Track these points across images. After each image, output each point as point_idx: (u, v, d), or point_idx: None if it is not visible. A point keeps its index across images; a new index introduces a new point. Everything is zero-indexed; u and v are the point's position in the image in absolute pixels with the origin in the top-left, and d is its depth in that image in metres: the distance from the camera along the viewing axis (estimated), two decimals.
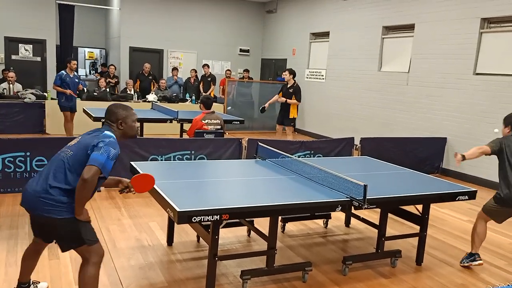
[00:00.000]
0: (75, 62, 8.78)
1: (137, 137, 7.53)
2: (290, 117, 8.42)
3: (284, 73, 8.49)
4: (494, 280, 3.97)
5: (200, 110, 6.99)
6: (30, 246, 3.09)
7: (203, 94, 11.96)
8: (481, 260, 4.17)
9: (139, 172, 3.72)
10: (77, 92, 8.91)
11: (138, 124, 3.11)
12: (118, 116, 2.95)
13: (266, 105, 8.72)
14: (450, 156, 8.16)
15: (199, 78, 12.73)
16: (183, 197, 3.18)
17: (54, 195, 2.68)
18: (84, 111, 8.26)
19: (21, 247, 3.99)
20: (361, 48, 10.37)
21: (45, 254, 3.86)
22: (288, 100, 8.29)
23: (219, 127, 6.84)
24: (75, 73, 8.94)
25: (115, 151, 2.75)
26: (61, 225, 2.72)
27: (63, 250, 2.89)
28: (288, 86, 8.42)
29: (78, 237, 2.75)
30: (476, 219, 4.22)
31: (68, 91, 8.53)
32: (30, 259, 3.09)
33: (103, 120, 3.02)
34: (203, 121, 6.68)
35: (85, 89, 9.69)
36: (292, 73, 8.38)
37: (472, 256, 4.17)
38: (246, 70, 13.20)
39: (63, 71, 8.69)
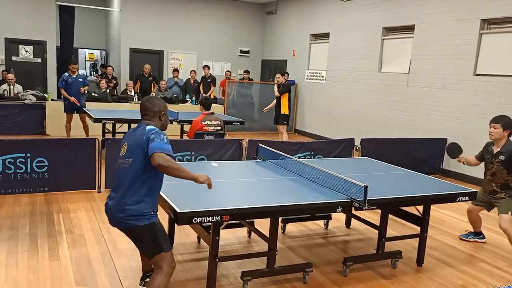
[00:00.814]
0: (75, 65, 8.79)
1: None
2: (282, 112, 8.98)
3: (276, 77, 9.12)
4: (495, 281, 3.97)
5: (200, 111, 6.99)
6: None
7: (203, 95, 11.97)
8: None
9: None
10: (84, 92, 8.90)
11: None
12: (160, 107, 2.96)
13: (267, 108, 9.32)
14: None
15: (199, 79, 12.74)
16: (183, 198, 3.18)
17: (135, 207, 2.75)
18: (85, 112, 8.28)
19: (21, 248, 4.00)
20: (361, 49, 10.38)
21: (46, 256, 3.87)
22: (276, 93, 8.97)
23: (219, 128, 6.84)
24: (79, 73, 8.98)
25: (165, 136, 2.80)
26: (139, 233, 2.79)
27: (149, 258, 2.89)
28: (280, 85, 9.11)
29: (155, 244, 2.79)
30: (509, 231, 4.34)
31: (72, 99, 8.57)
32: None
33: (141, 117, 2.98)
34: (203, 122, 6.68)
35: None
36: (283, 74, 9.17)
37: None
38: (247, 71, 13.21)
39: (66, 73, 8.78)
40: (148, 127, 2.85)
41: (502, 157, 4.39)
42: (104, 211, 2.93)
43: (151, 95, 2.74)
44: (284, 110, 9.03)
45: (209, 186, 2.89)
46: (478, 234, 4.92)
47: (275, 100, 9.22)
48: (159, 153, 2.65)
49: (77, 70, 8.86)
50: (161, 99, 3.08)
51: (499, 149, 4.45)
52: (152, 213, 2.83)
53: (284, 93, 8.99)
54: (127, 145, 2.88)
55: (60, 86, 8.77)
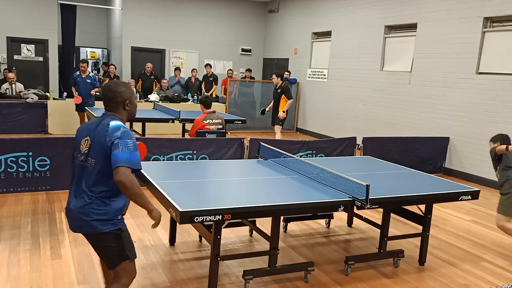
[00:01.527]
0: (83, 64, 8.99)
1: (139, 136, 7.54)
2: (278, 115, 8.76)
3: (272, 78, 8.86)
4: (497, 280, 3.96)
5: (201, 110, 6.98)
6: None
7: (204, 93, 11.97)
8: None
9: (141, 173, 3.72)
10: (95, 94, 9.04)
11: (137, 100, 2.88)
12: (124, 95, 2.63)
13: (267, 108, 9.03)
14: (452, 155, 8.15)
15: (201, 77, 12.74)
16: (185, 197, 3.17)
17: (95, 208, 2.51)
18: (86, 110, 8.29)
19: (23, 247, 4.00)
20: (363, 48, 10.35)
21: (48, 254, 3.87)
22: (285, 109, 8.64)
23: (220, 126, 6.83)
24: (90, 73, 9.10)
25: (133, 140, 2.51)
26: (104, 240, 2.56)
27: (110, 267, 2.66)
28: (277, 87, 8.78)
29: (121, 252, 2.57)
30: (501, 226, 4.37)
31: (75, 96, 8.82)
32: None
33: (104, 106, 2.69)
34: (204, 121, 6.68)
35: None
36: (279, 75, 8.75)
37: None
38: (249, 70, 13.20)
39: (77, 71, 8.99)
40: (111, 125, 2.52)
41: None
42: (65, 214, 2.65)
43: (117, 81, 2.38)
44: (285, 109, 8.73)
45: (154, 225, 2.63)
46: None
47: (273, 101, 8.96)
48: (123, 168, 2.39)
49: (87, 69, 8.98)
50: (125, 83, 2.73)
51: None
52: (119, 217, 2.60)
53: (290, 96, 8.66)
54: (90, 142, 2.55)
55: (71, 83, 9.05)
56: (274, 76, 8.75)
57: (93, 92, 8.87)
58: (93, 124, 2.64)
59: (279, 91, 8.69)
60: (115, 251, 2.58)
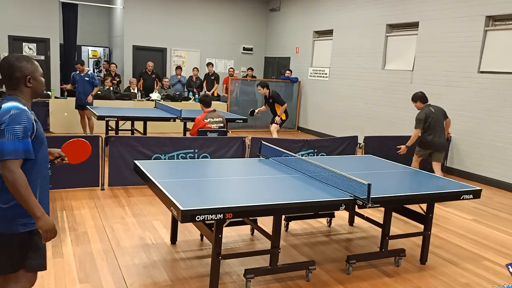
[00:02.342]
0: (77, 65, 8.99)
1: (140, 135, 7.54)
2: (275, 120, 8.71)
3: (259, 89, 8.74)
4: (499, 279, 3.95)
5: (201, 110, 6.98)
6: None
7: (206, 92, 11.96)
8: None
9: (143, 172, 3.72)
10: (96, 93, 9.15)
11: (43, 79, 2.41)
12: (25, 70, 2.24)
13: (257, 110, 8.95)
14: (454, 154, 8.13)
15: (202, 76, 12.73)
16: (186, 196, 3.18)
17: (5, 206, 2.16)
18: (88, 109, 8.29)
19: None
20: (364, 46, 10.34)
21: (49, 253, 3.87)
22: (279, 114, 8.59)
23: (221, 124, 6.83)
24: (89, 71, 9.14)
25: (24, 124, 2.12)
26: (8, 240, 2.20)
27: (3, 273, 2.28)
28: (267, 97, 8.74)
29: (19, 258, 2.20)
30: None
31: (64, 86, 9.24)
32: None
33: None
34: (205, 120, 6.68)
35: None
36: (265, 85, 8.60)
37: None
38: (250, 69, 13.19)
39: (77, 71, 9.03)
40: (3, 108, 2.15)
41: None
42: None
43: (17, 54, 2.25)
44: (282, 116, 8.72)
45: (44, 239, 2.20)
46: None
47: (263, 107, 8.98)
48: (8, 162, 2.05)
49: (84, 68, 8.99)
50: (29, 58, 2.32)
51: None
52: (31, 217, 2.19)
53: (283, 102, 8.68)
54: None
55: (70, 82, 9.18)
56: (260, 87, 8.63)
57: (91, 96, 8.82)
58: None
59: (270, 101, 8.68)
60: (14, 255, 2.24)
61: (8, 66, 2.24)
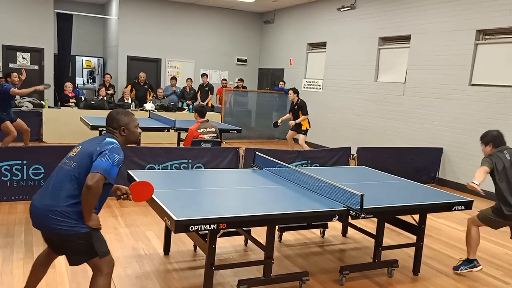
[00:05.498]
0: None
1: (134, 146, 7.53)
2: (302, 129, 9.11)
3: (289, 94, 9.14)
4: None
5: (195, 120, 7.00)
6: (42, 254, 3.02)
7: (200, 103, 11.99)
8: (480, 265, 4.22)
9: (135, 180, 3.72)
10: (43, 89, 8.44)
11: (140, 130, 3.02)
12: (120, 122, 2.90)
13: (279, 121, 9.37)
14: (446, 166, 8.20)
15: (197, 87, 12.77)
16: (180, 206, 3.18)
17: (65, 209, 2.63)
18: (81, 119, 8.27)
19: (16, 255, 3.97)
20: (357, 59, 10.45)
21: None
22: (297, 121, 9.01)
23: (214, 135, 6.85)
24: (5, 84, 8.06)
25: (119, 157, 2.71)
26: (74, 239, 2.67)
27: (73, 264, 2.82)
28: (293, 103, 9.12)
29: (92, 250, 2.71)
30: (469, 225, 4.27)
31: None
32: (39, 268, 3.00)
33: (105, 128, 2.98)
34: (198, 131, 6.69)
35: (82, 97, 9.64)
36: (296, 92, 9.03)
37: (471, 263, 4.22)
38: (240, 79, 13.29)
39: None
40: (108, 139, 2.80)
41: None
42: (30, 211, 2.74)
43: (119, 109, 3.08)
44: (305, 126, 9.07)
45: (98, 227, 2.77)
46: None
47: (287, 115, 9.40)
48: (99, 175, 2.58)
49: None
50: (128, 112, 3.00)
51: None
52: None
53: (307, 113, 9.00)
54: (80, 149, 2.80)
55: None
56: (291, 92, 9.04)
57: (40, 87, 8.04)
58: (92, 138, 2.93)
59: (295, 107, 9.03)
60: (83, 250, 2.70)
61: (110, 117, 2.95)
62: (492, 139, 4.23)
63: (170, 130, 7.83)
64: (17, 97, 9.76)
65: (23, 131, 8.09)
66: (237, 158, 6.55)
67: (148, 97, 11.89)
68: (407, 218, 4.21)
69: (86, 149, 2.76)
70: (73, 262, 2.80)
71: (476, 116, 7.69)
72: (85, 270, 3.75)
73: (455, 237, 5.38)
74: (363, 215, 3.28)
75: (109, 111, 3.09)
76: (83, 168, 2.67)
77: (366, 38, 10.20)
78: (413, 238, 4.24)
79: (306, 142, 9.24)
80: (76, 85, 13.80)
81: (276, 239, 4.66)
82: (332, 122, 11.27)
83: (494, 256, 4.82)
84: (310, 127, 9.19)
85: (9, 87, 7.75)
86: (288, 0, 12.28)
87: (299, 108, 8.98)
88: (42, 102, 10.11)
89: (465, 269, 4.22)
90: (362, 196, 3.24)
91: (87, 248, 2.69)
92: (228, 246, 4.52)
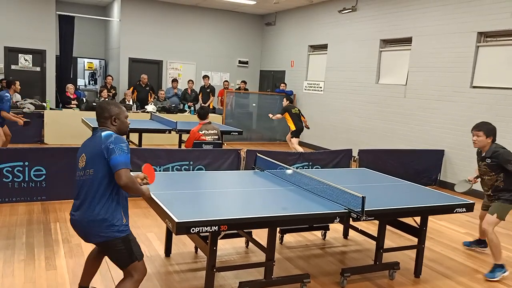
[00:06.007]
0: None
1: (136, 147, 7.55)
2: (291, 130, 9.60)
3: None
4: None
5: (197, 121, 7.00)
6: (93, 251, 3.14)
7: (201, 104, 12.01)
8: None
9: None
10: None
11: (129, 122, 3.08)
12: (112, 112, 2.89)
13: (270, 115, 9.88)
14: (447, 168, 8.19)
15: (198, 89, 12.79)
16: (181, 208, 3.18)
17: (103, 216, 2.71)
18: (83, 121, 8.28)
19: (17, 257, 3.98)
20: (359, 61, 10.46)
21: (42, 265, 3.85)
22: (272, 116, 9.81)
23: (216, 137, 6.85)
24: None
25: (125, 143, 2.77)
26: (114, 246, 2.77)
27: (122, 267, 2.86)
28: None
29: (131, 253, 2.80)
30: (488, 230, 4.26)
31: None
32: (91, 264, 3.14)
33: (96, 120, 2.96)
34: (200, 132, 6.70)
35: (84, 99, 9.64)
36: (288, 99, 9.75)
37: (503, 267, 4.26)
38: (243, 81, 13.29)
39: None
40: (104, 134, 2.79)
41: (488, 160, 4.49)
42: (72, 225, 2.85)
43: (108, 100, 2.85)
44: (291, 127, 9.55)
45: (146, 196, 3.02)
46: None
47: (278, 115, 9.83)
48: (123, 171, 2.64)
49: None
50: (117, 103, 3.04)
51: (484, 154, 4.59)
52: (124, 221, 2.83)
53: (283, 113, 9.57)
54: (85, 156, 2.80)
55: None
56: (284, 100, 9.83)
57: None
58: (87, 141, 2.92)
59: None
60: (125, 254, 2.80)
61: (100, 107, 2.91)
62: (495, 132, 4.50)
63: (172, 132, 7.84)
64: (17, 98, 9.84)
65: (5, 136, 8.01)
66: (239, 160, 6.55)
67: (149, 99, 11.90)
68: (408, 220, 4.20)
69: (92, 152, 2.77)
70: (121, 265, 2.87)
71: (477, 118, 7.64)
72: None
73: (456, 239, 5.37)
74: (364, 217, 3.28)
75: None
76: (101, 169, 2.72)
77: (367, 40, 10.21)
78: (414, 240, 4.23)
79: (306, 144, 9.34)
80: (77, 87, 13.85)
81: (277, 241, 4.66)
82: (333, 124, 11.26)
83: None
84: (296, 128, 9.48)
85: (4, 97, 7.73)
86: (289, 2, 12.30)
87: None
88: (44, 104, 10.13)
89: (500, 275, 4.22)
90: (363, 198, 3.24)
91: (127, 252, 2.80)
92: (229, 248, 4.52)
